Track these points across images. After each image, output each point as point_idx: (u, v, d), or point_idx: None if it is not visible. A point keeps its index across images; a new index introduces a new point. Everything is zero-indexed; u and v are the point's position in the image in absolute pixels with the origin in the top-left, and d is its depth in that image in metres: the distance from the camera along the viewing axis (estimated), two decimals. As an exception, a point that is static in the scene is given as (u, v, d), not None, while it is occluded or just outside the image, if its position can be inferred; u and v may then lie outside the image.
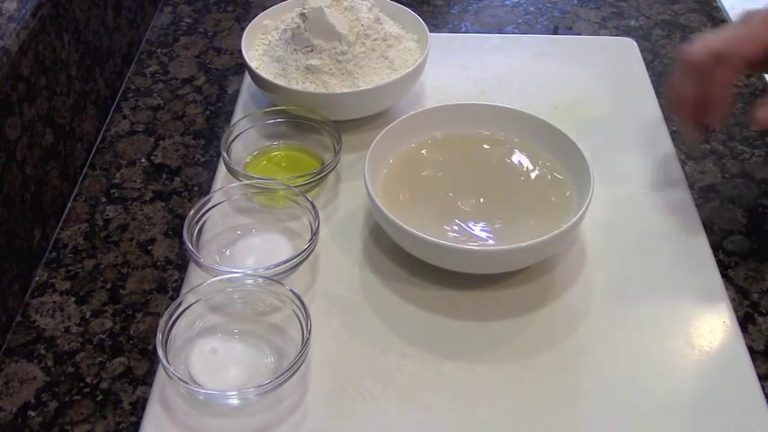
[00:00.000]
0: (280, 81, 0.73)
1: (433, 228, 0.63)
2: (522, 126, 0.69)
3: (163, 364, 0.53)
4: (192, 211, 0.63)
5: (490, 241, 0.63)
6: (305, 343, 0.54)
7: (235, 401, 0.54)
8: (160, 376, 0.56)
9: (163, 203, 0.71)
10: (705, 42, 0.61)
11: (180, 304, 0.57)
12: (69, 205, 0.71)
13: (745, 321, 0.61)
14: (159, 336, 0.55)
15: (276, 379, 0.53)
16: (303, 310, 0.56)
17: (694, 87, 0.62)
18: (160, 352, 0.54)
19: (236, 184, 0.66)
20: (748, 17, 0.62)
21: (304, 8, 0.73)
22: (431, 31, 0.77)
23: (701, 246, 0.66)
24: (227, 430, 0.54)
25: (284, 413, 0.54)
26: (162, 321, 0.55)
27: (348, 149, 0.70)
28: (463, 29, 0.92)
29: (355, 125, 0.74)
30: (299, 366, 0.54)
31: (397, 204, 0.65)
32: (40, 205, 0.65)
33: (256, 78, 0.74)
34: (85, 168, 0.74)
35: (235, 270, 0.61)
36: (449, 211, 0.65)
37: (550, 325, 0.60)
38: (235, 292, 0.60)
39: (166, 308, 0.56)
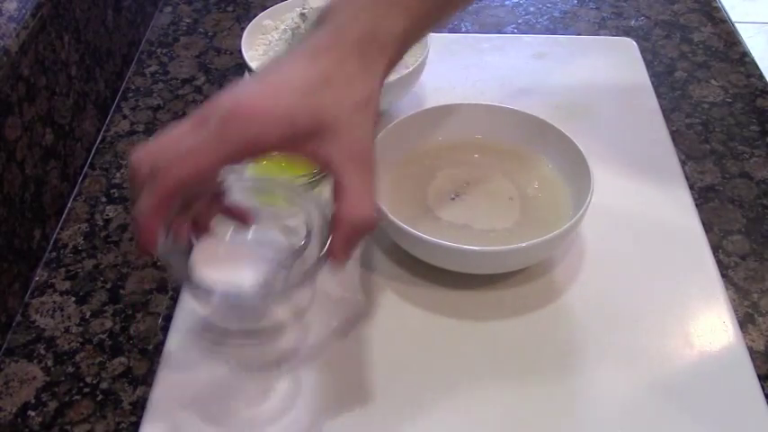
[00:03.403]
0: (280, 81, 0.72)
1: (434, 228, 0.63)
2: (521, 126, 0.69)
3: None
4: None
5: (491, 241, 0.63)
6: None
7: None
8: (160, 376, 0.56)
9: (163, 203, 0.70)
10: (153, 146, 0.47)
11: None
12: (69, 205, 0.71)
13: (745, 321, 0.61)
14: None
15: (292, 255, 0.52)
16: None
17: (132, 196, 0.48)
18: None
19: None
20: (209, 115, 0.46)
21: (304, 8, 0.73)
22: (431, 31, 0.77)
23: (701, 246, 0.66)
24: (226, 429, 0.54)
25: (283, 413, 0.54)
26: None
27: (348, 149, 0.70)
28: (463, 29, 0.92)
29: (355, 125, 0.74)
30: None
31: (398, 204, 0.65)
32: (40, 205, 0.65)
33: (256, 78, 0.74)
34: (85, 168, 0.74)
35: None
36: (449, 211, 0.65)
37: (550, 325, 0.60)
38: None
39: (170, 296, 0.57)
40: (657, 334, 0.59)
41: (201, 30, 0.92)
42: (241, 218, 0.55)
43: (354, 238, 0.48)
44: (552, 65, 0.85)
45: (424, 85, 0.81)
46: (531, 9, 0.95)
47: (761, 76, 0.85)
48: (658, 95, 0.81)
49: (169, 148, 0.46)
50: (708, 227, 0.68)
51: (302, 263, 0.53)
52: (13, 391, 0.57)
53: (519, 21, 0.94)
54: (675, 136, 0.77)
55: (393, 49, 0.50)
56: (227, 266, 0.52)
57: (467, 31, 0.92)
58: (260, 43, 0.78)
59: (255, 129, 0.45)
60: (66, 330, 0.60)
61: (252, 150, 0.46)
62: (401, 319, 0.60)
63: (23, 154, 0.63)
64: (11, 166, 0.61)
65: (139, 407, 0.55)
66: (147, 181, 0.46)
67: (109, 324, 0.61)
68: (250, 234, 0.56)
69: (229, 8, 0.96)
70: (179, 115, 0.80)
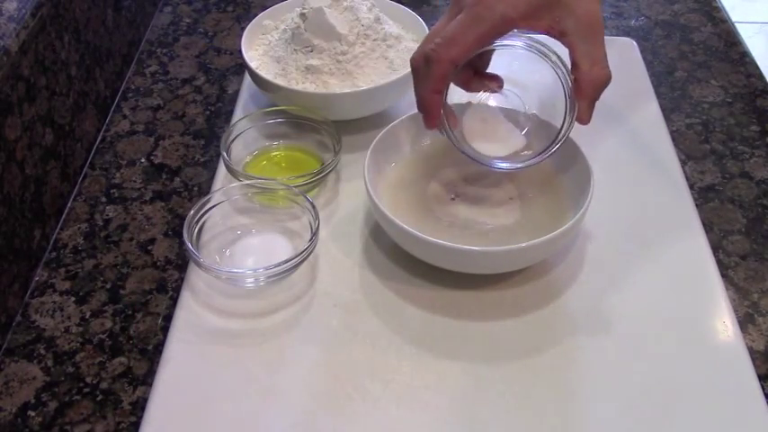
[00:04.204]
0: (280, 81, 0.73)
1: (434, 228, 0.63)
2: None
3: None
4: (191, 211, 0.63)
5: (491, 241, 0.63)
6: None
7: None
8: (160, 376, 0.56)
9: (163, 203, 0.71)
10: (423, 43, 0.59)
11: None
12: (69, 205, 0.71)
13: (745, 321, 0.61)
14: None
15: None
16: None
17: (416, 88, 0.60)
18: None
19: (236, 184, 0.66)
20: (462, 4, 0.57)
21: (304, 8, 0.73)
22: (431, 31, 0.77)
23: (701, 246, 0.66)
24: (226, 430, 0.54)
25: (284, 412, 0.54)
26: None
27: (348, 149, 0.70)
28: (463, 29, 0.92)
29: (355, 125, 0.74)
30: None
31: (398, 204, 0.65)
32: (40, 205, 0.65)
33: (256, 78, 0.74)
34: (85, 168, 0.74)
35: (235, 270, 0.61)
36: (449, 210, 0.65)
37: (550, 325, 0.60)
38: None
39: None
40: (657, 334, 0.59)
41: (201, 30, 0.92)
42: (492, 81, 0.63)
43: (596, 97, 0.58)
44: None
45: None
46: (531, 9, 0.95)
47: (761, 76, 0.85)
48: (658, 95, 0.81)
49: (434, 38, 0.57)
50: (708, 227, 0.68)
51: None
52: (13, 391, 0.57)
53: (519, 21, 0.93)
54: (675, 136, 0.77)
55: None
56: (491, 132, 0.64)
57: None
58: (260, 43, 0.78)
59: (501, 8, 0.55)
60: (67, 330, 0.61)
61: (500, 28, 0.56)
62: (401, 319, 0.60)
63: (23, 154, 0.63)
64: (11, 166, 0.61)
65: (139, 407, 0.55)
66: (423, 69, 0.57)
67: (109, 324, 0.61)
68: (496, 101, 0.65)
69: (229, 8, 0.96)
70: (179, 115, 0.80)
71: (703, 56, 0.88)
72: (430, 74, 0.57)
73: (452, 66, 0.57)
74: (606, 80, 0.57)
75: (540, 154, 0.62)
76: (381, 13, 0.77)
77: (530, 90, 0.64)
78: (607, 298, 0.62)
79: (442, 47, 0.56)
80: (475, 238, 0.63)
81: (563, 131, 0.60)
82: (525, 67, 0.62)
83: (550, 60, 0.59)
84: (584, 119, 0.59)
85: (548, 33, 0.58)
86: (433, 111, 0.60)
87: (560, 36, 0.57)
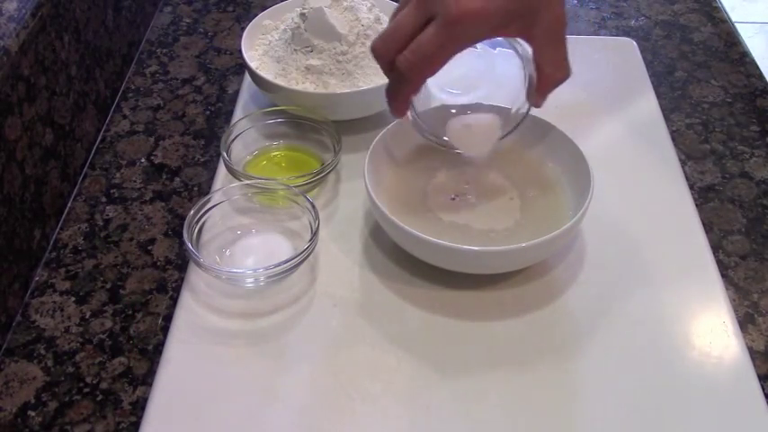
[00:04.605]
0: (280, 81, 0.73)
1: (434, 228, 0.63)
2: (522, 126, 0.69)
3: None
4: (191, 211, 0.63)
5: (491, 241, 0.63)
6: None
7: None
8: (160, 376, 0.56)
9: (163, 203, 0.71)
10: (387, 39, 0.57)
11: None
12: (69, 205, 0.71)
13: (745, 321, 0.61)
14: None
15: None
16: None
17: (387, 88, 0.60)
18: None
19: (236, 184, 0.66)
20: (433, 10, 0.55)
21: (304, 8, 0.73)
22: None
23: (701, 246, 0.66)
24: (226, 430, 0.54)
25: (284, 412, 0.54)
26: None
27: (348, 149, 0.70)
28: (463, 29, 0.92)
29: (355, 125, 0.74)
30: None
31: (397, 204, 0.65)
32: (40, 205, 0.65)
33: (256, 78, 0.74)
34: (85, 168, 0.74)
35: (235, 270, 0.61)
36: (449, 211, 0.65)
37: (550, 325, 0.60)
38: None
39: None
40: (657, 334, 0.59)
41: (201, 30, 0.92)
42: None
43: (552, 90, 0.61)
44: (552, 65, 0.85)
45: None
46: (531, 9, 0.95)
47: (761, 76, 0.85)
48: (658, 95, 0.81)
49: (400, 39, 0.56)
50: (708, 227, 0.68)
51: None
52: (13, 391, 0.57)
53: (519, 21, 0.93)
54: (675, 136, 0.77)
55: None
56: (477, 132, 0.65)
57: (467, 31, 0.91)
58: (260, 43, 0.78)
59: (477, 29, 0.55)
60: (67, 330, 0.61)
61: (474, 42, 0.57)
62: (401, 319, 0.60)
63: (23, 154, 0.63)
64: (11, 166, 0.61)
65: (139, 407, 0.55)
66: (394, 78, 0.57)
67: (109, 324, 0.61)
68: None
69: (229, 8, 0.96)
70: (179, 115, 0.80)
71: (703, 56, 0.88)
72: (403, 89, 0.58)
73: (424, 81, 0.58)
74: (565, 79, 0.61)
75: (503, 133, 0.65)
76: (381, 13, 0.77)
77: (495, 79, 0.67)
78: (607, 298, 0.62)
79: (418, 67, 0.56)
80: (475, 238, 0.63)
81: (524, 113, 0.64)
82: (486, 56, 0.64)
83: (517, 51, 0.61)
84: (540, 104, 0.63)
85: (515, 36, 0.59)
86: (401, 107, 0.61)
87: (527, 40, 0.59)
